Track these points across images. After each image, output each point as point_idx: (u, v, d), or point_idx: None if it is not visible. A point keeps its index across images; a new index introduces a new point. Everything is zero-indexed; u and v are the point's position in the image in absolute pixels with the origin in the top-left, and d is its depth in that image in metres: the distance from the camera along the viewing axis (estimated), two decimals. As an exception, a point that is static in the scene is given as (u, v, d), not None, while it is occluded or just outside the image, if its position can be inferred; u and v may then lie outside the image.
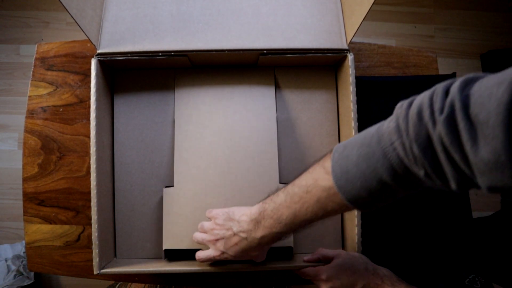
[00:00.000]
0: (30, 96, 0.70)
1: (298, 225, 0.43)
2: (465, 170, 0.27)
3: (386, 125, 0.33)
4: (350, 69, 0.59)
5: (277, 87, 0.66)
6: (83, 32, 0.51)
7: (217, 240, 0.50)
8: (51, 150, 0.69)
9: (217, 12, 0.60)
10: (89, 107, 0.59)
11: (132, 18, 0.60)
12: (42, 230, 0.68)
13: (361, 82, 0.68)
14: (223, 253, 0.49)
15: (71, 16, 0.48)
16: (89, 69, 0.58)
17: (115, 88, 0.65)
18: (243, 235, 0.47)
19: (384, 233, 0.66)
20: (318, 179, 0.39)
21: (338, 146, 0.39)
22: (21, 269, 1.22)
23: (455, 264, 0.67)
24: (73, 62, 0.70)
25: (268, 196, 0.47)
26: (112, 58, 0.58)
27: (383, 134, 0.33)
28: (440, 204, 0.67)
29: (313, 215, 0.40)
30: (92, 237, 0.55)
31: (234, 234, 0.48)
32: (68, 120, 0.69)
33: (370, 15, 0.53)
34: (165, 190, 0.61)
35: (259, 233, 0.46)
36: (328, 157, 0.39)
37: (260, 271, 0.68)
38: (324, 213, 0.40)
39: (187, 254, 0.59)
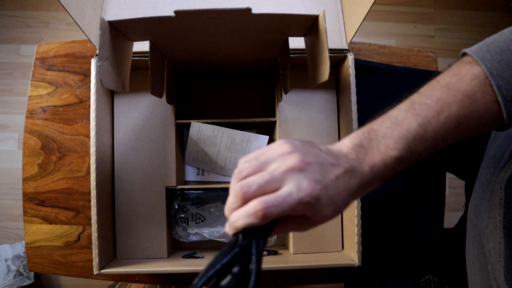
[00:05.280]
0: (30, 96, 0.70)
1: (429, 142, 0.30)
2: None
3: None
4: (350, 69, 0.59)
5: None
6: (83, 32, 0.51)
7: (307, 164, 0.29)
8: (51, 150, 0.69)
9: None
10: (89, 107, 0.59)
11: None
12: (42, 230, 0.68)
13: (363, 68, 0.68)
14: (317, 183, 0.28)
15: (71, 16, 0.48)
16: (89, 69, 0.58)
17: (115, 88, 0.65)
18: (345, 164, 0.30)
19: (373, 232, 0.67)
20: (462, 73, 0.31)
21: (469, 49, 0.32)
22: (21, 269, 1.22)
23: (416, 264, 0.68)
24: (73, 62, 0.70)
25: (365, 124, 0.33)
26: (112, 58, 0.58)
27: None
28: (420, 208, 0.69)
29: (455, 121, 0.30)
30: (92, 237, 0.55)
31: (332, 164, 0.30)
32: (68, 120, 0.69)
33: (370, 15, 0.53)
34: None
35: (368, 160, 0.30)
36: (460, 62, 0.32)
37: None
38: (470, 114, 0.30)
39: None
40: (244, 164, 0.29)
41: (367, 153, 0.31)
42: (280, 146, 0.30)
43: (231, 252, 0.25)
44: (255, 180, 0.28)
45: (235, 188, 0.28)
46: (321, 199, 0.28)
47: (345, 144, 0.32)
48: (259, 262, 0.25)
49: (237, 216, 0.28)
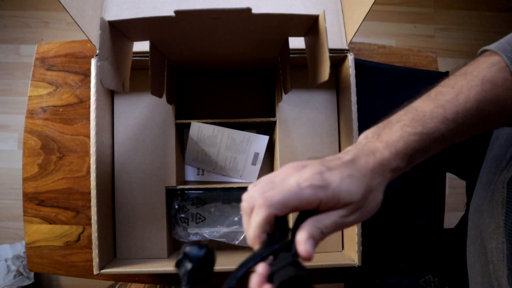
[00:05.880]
0: (30, 96, 0.70)
1: (450, 122, 0.30)
2: None
3: None
4: (350, 69, 0.59)
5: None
6: (83, 32, 0.51)
7: (304, 166, 0.29)
8: (51, 150, 0.69)
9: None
10: (89, 107, 0.59)
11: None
12: (42, 230, 0.68)
13: (363, 68, 0.68)
14: (319, 169, 0.28)
15: (71, 16, 0.48)
16: (89, 69, 0.58)
17: (115, 88, 0.65)
18: (352, 152, 0.30)
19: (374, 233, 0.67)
20: (479, 62, 0.31)
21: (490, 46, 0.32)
22: (21, 269, 1.22)
23: (416, 264, 0.68)
24: (73, 62, 0.70)
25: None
26: (112, 58, 0.58)
27: None
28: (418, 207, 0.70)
29: (476, 104, 0.29)
30: (92, 237, 0.55)
31: (336, 158, 0.30)
32: (68, 120, 0.69)
33: (370, 15, 0.53)
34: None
35: (381, 139, 0.30)
36: (477, 57, 0.33)
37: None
38: (491, 99, 0.29)
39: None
40: (252, 187, 0.30)
41: (380, 135, 0.31)
42: (283, 166, 0.31)
43: (271, 248, 0.26)
44: (256, 190, 0.28)
45: (242, 206, 0.29)
46: (330, 180, 0.27)
47: (358, 138, 0.33)
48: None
49: (250, 227, 0.27)
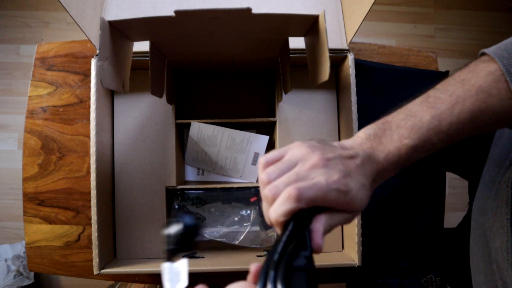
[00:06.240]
0: (30, 96, 0.70)
1: (443, 133, 0.31)
2: None
3: None
4: (350, 69, 0.59)
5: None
6: (83, 32, 0.51)
7: (328, 159, 0.29)
8: (51, 150, 0.69)
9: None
10: (89, 107, 0.59)
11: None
12: (42, 230, 0.68)
13: (363, 68, 0.68)
14: (342, 172, 0.29)
15: (71, 16, 0.48)
16: (89, 69, 0.58)
17: (115, 88, 0.65)
18: (362, 153, 0.31)
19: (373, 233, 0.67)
20: (478, 69, 0.31)
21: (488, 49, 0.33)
22: (21, 269, 1.22)
23: (417, 264, 0.68)
24: (73, 62, 0.70)
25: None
26: (112, 58, 0.58)
27: None
28: (418, 207, 0.70)
29: (470, 115, 0.30)
30: (92, 237, 0.55)
31: (350, 156, 0.30)
32: (68, 120, 0.69)
33: (370, 15, 0.53)
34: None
35: (383, 148, 0.31)
36: (477, 61, 0.33)
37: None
38: (485, 109, 0.30)
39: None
40: (268, 168, 0.30)
41: (381, 141, 0.32)
42: (298, 148, 0.31)
43: (293, 238, 0.27)
44: (282, 181, 0.29)
45: (265, 193, 0.29)
46: (351, 187, 0.29)
47: (359, 136, 0.33)
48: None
49: (273, 209, 0.28)
